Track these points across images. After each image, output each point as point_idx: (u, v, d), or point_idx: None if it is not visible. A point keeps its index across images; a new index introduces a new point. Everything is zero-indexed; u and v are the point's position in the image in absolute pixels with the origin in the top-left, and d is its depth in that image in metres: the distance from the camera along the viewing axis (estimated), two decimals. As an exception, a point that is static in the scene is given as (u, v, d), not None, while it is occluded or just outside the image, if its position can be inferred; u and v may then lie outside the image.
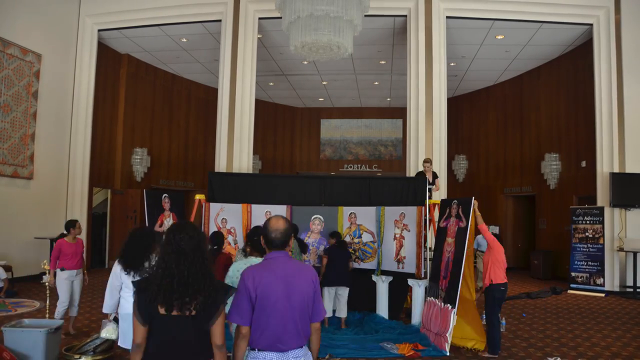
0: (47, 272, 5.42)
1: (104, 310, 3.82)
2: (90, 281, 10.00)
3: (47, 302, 5.25)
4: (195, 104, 15.02)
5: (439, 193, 9.52)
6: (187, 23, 10.82)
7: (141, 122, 13.38)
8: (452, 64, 12.34)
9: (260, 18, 10.56)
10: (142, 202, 6.79)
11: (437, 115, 10.02)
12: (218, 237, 5.71)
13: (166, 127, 14.18)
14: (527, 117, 13.45)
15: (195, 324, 2.23)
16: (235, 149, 10.26)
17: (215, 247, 5.43)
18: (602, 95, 10.22)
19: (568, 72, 12.00)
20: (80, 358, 4.77)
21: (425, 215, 6.88)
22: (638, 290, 9.58)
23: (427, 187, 7.27)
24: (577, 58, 11.62)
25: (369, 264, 7.19)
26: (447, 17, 10.28)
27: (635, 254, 9.64)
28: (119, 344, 3.79)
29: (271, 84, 14.96)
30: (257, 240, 3.46)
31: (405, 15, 10.35)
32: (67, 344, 5.16)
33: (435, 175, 8.52)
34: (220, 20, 10.64)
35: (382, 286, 7.00)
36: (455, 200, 6.26)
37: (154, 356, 2.25)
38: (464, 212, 5.91)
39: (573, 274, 10.25)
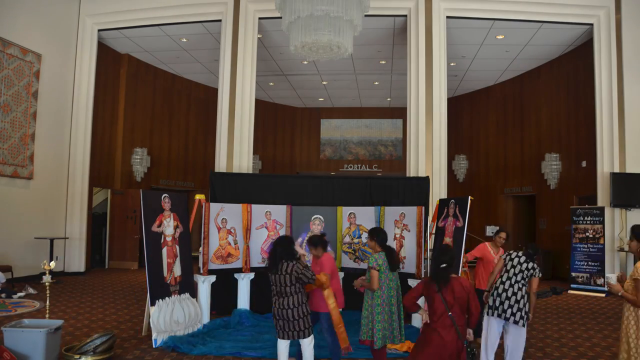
0: (46, 272, 5.39)
1: None
2: (90, 281, 10.09)
3: (47, 302, 5.23)
4: (195, 104, 15.02)
5: (439, 192, 9.53)
6: (187, 23, 10.82)
7: (141, 122, 13.38)
8: (452, 64, 12.34)
9: (260, 18, 10.56)
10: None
11: (437, 115, 10.01)
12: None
13: (166, 127, 14.18)
14: (527, 117, 13.44)
15: None
16: (235, 149, 10.26)
17: None
18: (602, 95, 10.21)
19: (568, 72, 11.99)
20: (80, 358, 4.76)
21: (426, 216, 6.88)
22: (638, 290, 9.57)
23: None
24: (578, 58, 11.61)
25: (369, 264, 7.17)
26: (447, 17, 10.28)
27: (635, 254, 9.62)
28: None
29: (271, 84, 14.96)
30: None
31: (405, 15, 10.35)
32: (67, 344, 5.15)
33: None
34: (220, 20, 10.63)
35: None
36: (453, 200, 6.28)
37: None
38: (460, 212, 5.92)
39: (573, 274, 10.25)
